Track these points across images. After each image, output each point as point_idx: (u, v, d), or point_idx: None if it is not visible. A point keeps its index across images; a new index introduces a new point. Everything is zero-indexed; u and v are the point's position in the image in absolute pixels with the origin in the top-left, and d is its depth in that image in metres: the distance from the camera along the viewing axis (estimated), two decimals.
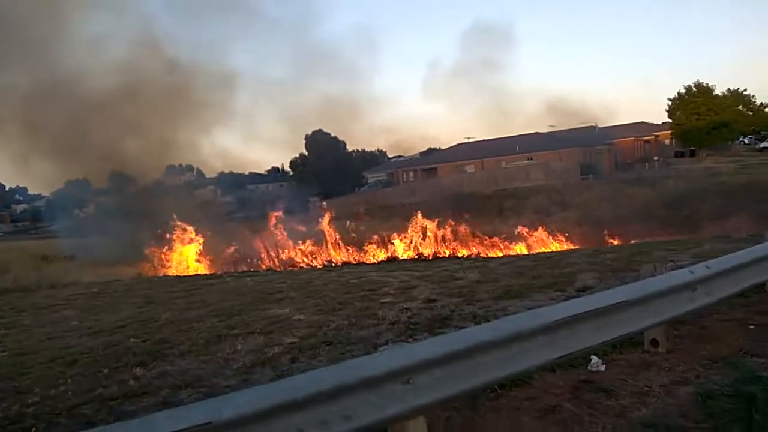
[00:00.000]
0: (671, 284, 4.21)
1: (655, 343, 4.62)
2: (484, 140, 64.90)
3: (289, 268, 19.84)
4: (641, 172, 45.55)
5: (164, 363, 5.62)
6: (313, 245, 22.26)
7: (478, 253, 19.07)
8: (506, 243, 19.95)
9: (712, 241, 10.74)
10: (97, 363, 5.80)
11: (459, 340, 3.23)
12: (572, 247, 17.98)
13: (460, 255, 18.91)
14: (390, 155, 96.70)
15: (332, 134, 79.39)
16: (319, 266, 20.21)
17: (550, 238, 20.49)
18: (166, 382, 5.01)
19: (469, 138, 69.53)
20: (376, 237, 21.11)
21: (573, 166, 46.62)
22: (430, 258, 18.98)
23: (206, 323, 7.21)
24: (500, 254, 18.19)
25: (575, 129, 65.90)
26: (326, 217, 22.30)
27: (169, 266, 20.61)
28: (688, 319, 4.95)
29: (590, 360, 4.40)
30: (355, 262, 21.27)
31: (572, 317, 3.51)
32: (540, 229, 20.78)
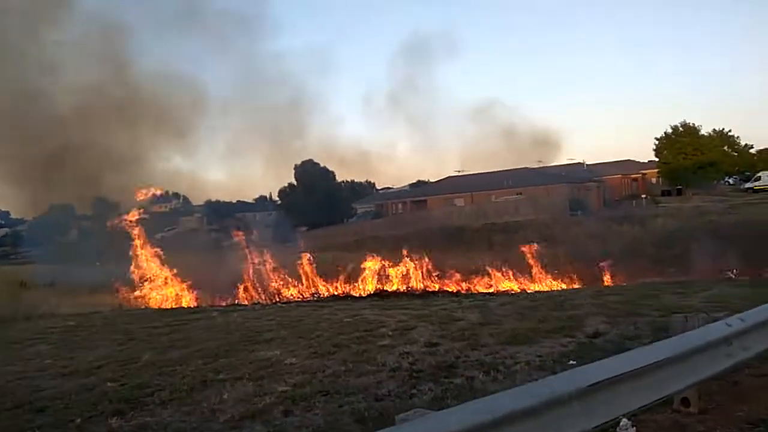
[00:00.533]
0: (708, 339, 3.85)
1: (685, 402, 4.23)
2: (473, 174, 65.14)
3: (276, 302, 19.28)
4: (629, 210, 45.71)
5: (143, 413, 5.10)
6: (300, 276, 21.77)
7: (468, 288, 18.69)
8: (497, 277, 19.59)
9: (719, 283, 10.47)
10: (70, 411, 5.25)
11: (485, 409, 2.79)
12: (566, 286, 17.67)
13: (450, 290, 18.53)
14: (378, 187, 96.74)
15: (321, 165, 79.34)
16: (307, 298, 19.71)
17: (540, 274, 20.18)
18: None
19: (459, 171, 69.82)
20: (364, 267, 20.69)
21: (561, 202, 46.72)
22: (420, 292, 18.57)
23: (190, 365, 6.68)
24: (491, 290, 17.84)
25: (563, 165, 66.56)
26: (304, 249, 21.86)
27: (150, 298, 19.90)
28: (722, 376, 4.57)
29: (619, 422, 3.98)
30: (342, 295, 20.79)
31: (611, 379, 3.11)
32: (532, 266, 20.44)
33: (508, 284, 18.87)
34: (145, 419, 4.93)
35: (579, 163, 69.63)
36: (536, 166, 61.91)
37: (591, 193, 56.02)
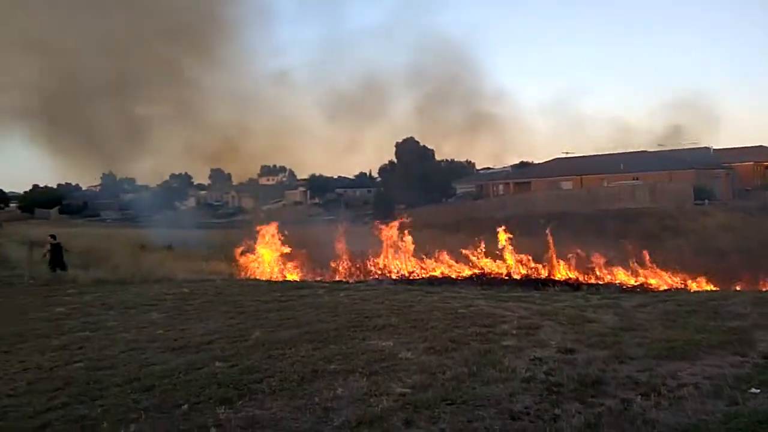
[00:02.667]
0: None
1: None
2: (583, 156, 61.39)
3: (379, 279, 18.92)
4: (766, 201, 40.81)
5: (252, 403, 4.68)
6: (399, 256, 21.32)
7: (577, 278, 17.26)
8: (609, 269, 17.92)
9: None
10: (176, 393, 4.97)
11: None
12: (696, 285, 15.75)
13: (558, 279, 17.22)
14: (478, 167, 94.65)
15: (422, 143, 78.63)
16: (405, 277, 19.17)
17: (665, 268, 18.21)
18: None
19: (567, 153, 66.15)
20: (467, 251, 19.80)
21: (685, 189, 42.59)
22: (522, 279, 17.42)
23: (300, 350, 6.27)
24: (601, 282, 16.35)
25: (687, 149, 60.80)
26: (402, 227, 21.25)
27: (258, 268, 20.33)
28: None
29: None
30: (441, 276, 20.08)
31: None
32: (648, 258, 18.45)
33: (623, 276, 17.22)
34: (254, 412, 4.50)
35: (705, 147, 63.30)
36: (656, 150, 57.10)
37: (719, 180, 50.74)
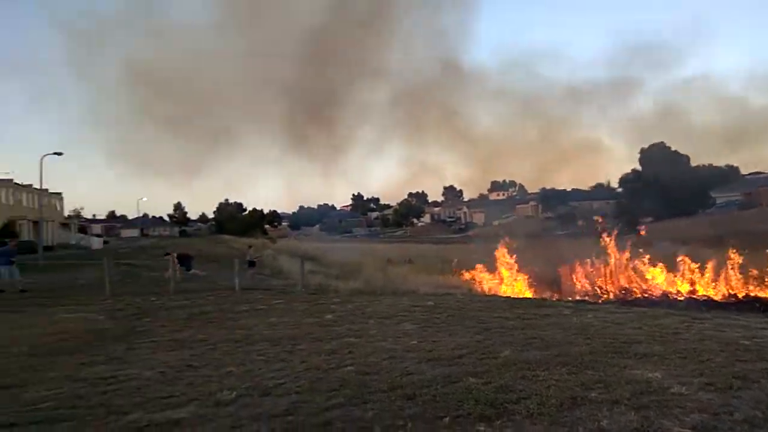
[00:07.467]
0: None
1: None
2: None
3: (626, 300, 17.40)
4: None
5: (511, 424, 4.62)
6: (646, 274, 19.27)
7: None
8: None
9: None
10: (436, 404, 5.17)
11: None
12: None
13: None
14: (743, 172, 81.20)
15: (672, 148, 70.58)
16: (663, 299, 17.25)
17: None
18: None
19: None
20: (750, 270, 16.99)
21: None
22: None
23: (553, 373, 6.02)
24: None
25: None
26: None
27: (494, 284, 20.36)
28: None
29: None
30: (706, 298, 17.54)
31: None
32: None
33: None
34: None
35: None
36: None
37: None
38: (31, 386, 6.31)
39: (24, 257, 32.30)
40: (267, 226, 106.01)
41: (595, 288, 19.00)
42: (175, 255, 21.97)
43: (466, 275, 22.28)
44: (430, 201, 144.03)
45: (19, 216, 51.93)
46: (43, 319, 11.89)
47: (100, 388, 6.15)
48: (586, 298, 17.22)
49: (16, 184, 54.64)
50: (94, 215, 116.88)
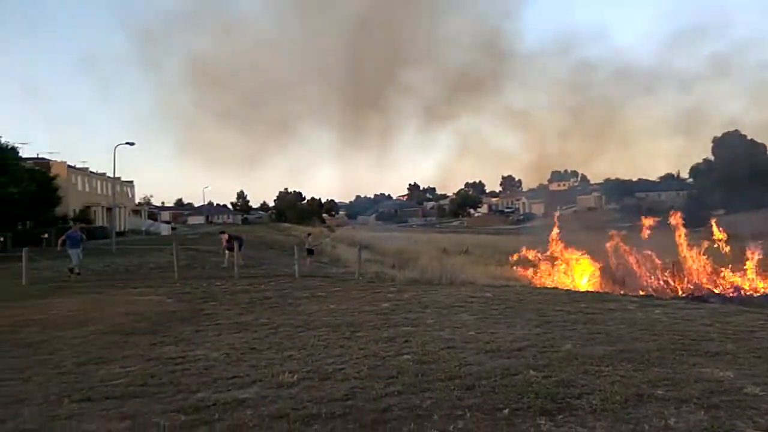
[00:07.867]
0: None
1: None
2: None
3: (695, 296, 16.69)
4: None
5: (573, 419, 4.53)
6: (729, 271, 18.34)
7: None
8: None
9: None
10: (496, 396, 5.13)
11: None
12: None
13: None
14: None
15: (749, 136, 66.55)
16: (736, 295, 16.39)
17: None
18: None
19: None
20: None
21: None
22: None
23: (617, 369, 5.85)
24: None
25: None
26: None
27: (555, 276, 19.92)
28: None
29: None
30: None
31: None
32: None
33: None
34: (576, 429, 4.34)
35: None
36: None
37: None
38: (105, 364, 6.71)
39: (98, 242, 34.25)
40: (325, 215, 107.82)
41: (661, 283, 18.26)
42: (227, 236, 22.88)
43: (525, 268, 21.91)
44: (487, 191, 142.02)
45: (94, 203, 54.99)
46: (119, 300, 12.61)
47: (170, 367, 6.46)
48: (653, 293, 16.60)
49: (91, 172, 57.78)
50: (162, 203, 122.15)
